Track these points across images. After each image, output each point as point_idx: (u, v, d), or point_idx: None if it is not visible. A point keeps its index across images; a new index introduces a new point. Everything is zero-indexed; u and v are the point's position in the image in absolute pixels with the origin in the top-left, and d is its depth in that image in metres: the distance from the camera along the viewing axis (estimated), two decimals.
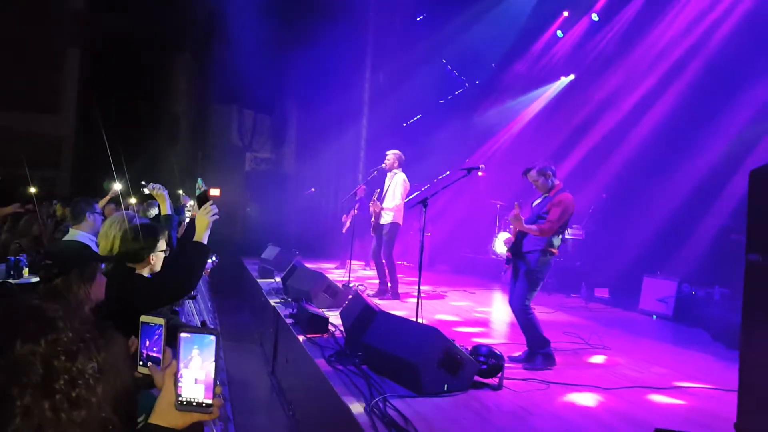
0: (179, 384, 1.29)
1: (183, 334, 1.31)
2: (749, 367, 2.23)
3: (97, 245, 4.05)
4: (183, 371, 1.29)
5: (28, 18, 14.01)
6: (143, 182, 4.13)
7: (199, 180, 3.92)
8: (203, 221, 2.85)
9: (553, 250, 4.57)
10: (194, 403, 1.29)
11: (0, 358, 0.75)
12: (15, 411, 0.74)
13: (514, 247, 4.66)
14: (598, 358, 5.03)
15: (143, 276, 2.90)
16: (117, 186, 9.25)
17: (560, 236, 4.61)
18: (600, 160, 9.47)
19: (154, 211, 5.65)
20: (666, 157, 8.37)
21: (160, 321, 1.70)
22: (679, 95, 8.54)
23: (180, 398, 1.28)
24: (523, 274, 4.59)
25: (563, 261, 8.72)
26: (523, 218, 4.51)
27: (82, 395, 0.80)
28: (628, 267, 8.20)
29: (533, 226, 4.46)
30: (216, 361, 1.32)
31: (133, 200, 6.90)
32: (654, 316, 7.26)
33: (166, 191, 4.05)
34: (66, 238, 4.26)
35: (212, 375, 1.31)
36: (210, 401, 1.30)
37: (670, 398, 4.01)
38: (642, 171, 8.81)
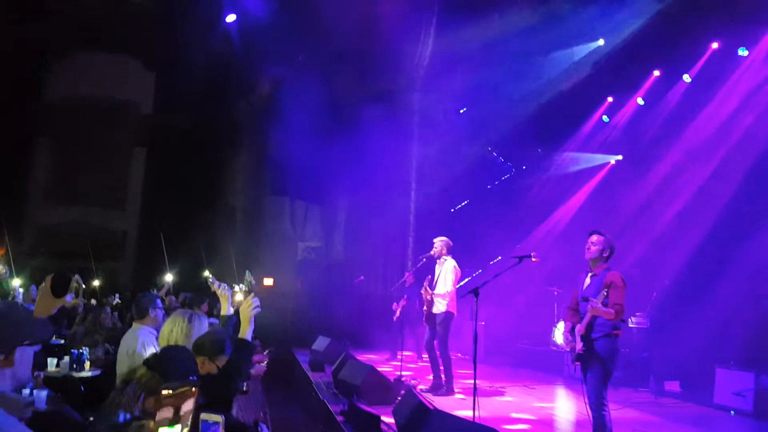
0: None
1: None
2: None
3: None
4: None
5: (105, 123, 15.35)
6: (210, 276, 4.27)
7: (247, 272, 4.02)
8: (245, 316, 2.87)
9: (617, 332, 4.46)
10: None
11: None
12: None
13: (586, 336, 4.46)
14: None
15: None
16: (169, 277, 9.61)
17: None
18: (658, 244, 9.17)
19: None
20: (729, 241, 8.04)
21: (218, 418, 1.89)
22: (740, 177, 8.34)
23: None
24: (595, 364, 4.40)
25: (629, 352, 8.23)
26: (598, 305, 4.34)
27: None
28: (699, 357, 7.67)
29: (610, 311, 4.29)
30: None
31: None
32: (732, 412, 6.67)
33: (230, 291, 4.17)
34: (129, 332, 4.39)
35: None
36: None
37: None
38: (705, 255, 8.45)
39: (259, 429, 2.57)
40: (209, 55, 11.81)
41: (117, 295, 11.18)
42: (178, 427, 1.85)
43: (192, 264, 10.50)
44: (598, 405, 4.35)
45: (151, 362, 2.28)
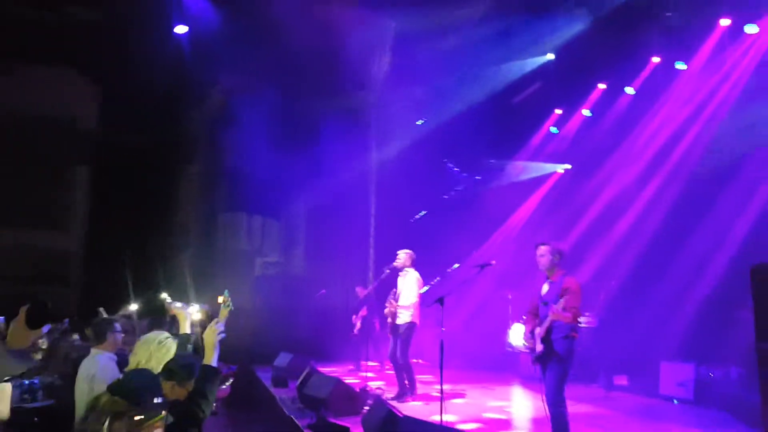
0: None
1: None
2: None
3: (118, 364, 4.14)
4: None
5: (40, 138, 14.67)
6: (168, 299, 4.26)
7: (226, 292, 4.04)
8: (210, 342, 2.87)
9: (575, 334, 4.76)
10: None
11: None
12: None
13: (546, 338, 4.71)
14: None
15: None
16: (134, 306, 9.34)
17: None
18: (605, 248, 9.62)
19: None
20: (669, 244, 8.58)
21: None
22: (681, 183, 8.90)
23: None
24: (553, 364, 4.62)
25: (580, 350, 8.59)
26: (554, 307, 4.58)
27: None
28: (644, 352, 8.16)
29: (567, 314, 4.55)
30: None
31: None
32: (675, 401, 7.15)
33: (188, 309, 4.17)
34: (88, 358, 4.31)
35: None
36: None
37: None
38: (648, 257, 8.97)
39: None
40: (158, 67, 11.48)
41: (66, 321, 10.75)
42: None
43: (146, 284, 10.21)
44: (557, 402, 4.61)
45: (115, 388, 2.31)
